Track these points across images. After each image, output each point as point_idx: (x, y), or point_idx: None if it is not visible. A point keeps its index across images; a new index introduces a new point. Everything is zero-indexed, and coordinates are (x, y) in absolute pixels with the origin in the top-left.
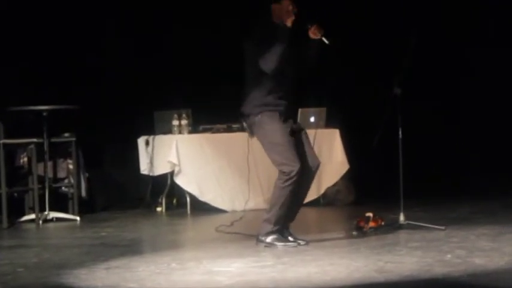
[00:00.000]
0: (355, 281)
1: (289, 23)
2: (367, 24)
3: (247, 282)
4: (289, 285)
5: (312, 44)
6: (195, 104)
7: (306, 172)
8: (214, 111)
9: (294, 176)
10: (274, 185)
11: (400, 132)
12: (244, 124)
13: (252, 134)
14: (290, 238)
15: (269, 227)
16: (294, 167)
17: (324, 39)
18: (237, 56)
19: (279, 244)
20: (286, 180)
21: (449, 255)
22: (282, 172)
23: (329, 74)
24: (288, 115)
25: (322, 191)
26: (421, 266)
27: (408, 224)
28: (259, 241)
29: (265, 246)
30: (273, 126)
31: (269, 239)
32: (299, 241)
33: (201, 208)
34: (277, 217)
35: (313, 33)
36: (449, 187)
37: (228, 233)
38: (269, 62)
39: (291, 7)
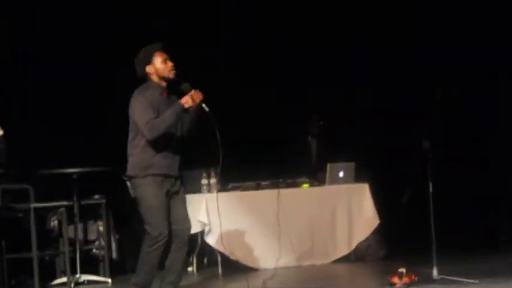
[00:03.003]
0: None
1: (171, 75)
2: (395, 77)
3: None
4: None
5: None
6: (224, 162)
7: (177, 235)
8: (243, 168)
9: (161, 240)
10: (141, 250)
11: (430, 186)
12: (128, 184)
13: (133, 194)
14: None
15: None
16: (162, 231)
17: (203, 106)
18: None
19: None
20: (153, 244)
21: None
22: (149, 235)
23: (357, 129)
24: (170, 174)
25: (353, 246)
26: None
27: (442, 278)
28: None
29: None
30: (152, 189)
31: None
32: None
33: (232, 266)
34: (145, 281)
35: (192, 99)
36: (482, 239)
37: None
38: (155, 131)
39: (169, 63)
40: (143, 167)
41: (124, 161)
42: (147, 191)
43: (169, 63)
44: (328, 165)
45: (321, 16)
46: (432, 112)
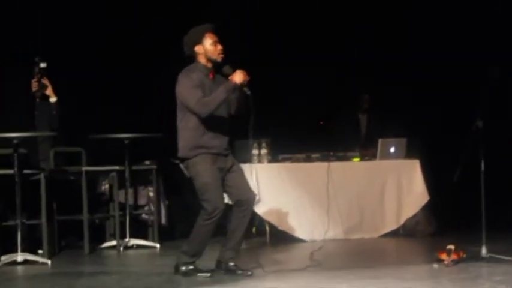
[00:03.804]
0: None
1: (219, 59)
2: (448, 55)
3: None
4: None
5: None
6: (275, 134)
7: (240, 205)
8: (294, 140)
9: (216, 215)
10: (196, 222)
11: (482, 165)
12: (181, 166)
13: (188, 175)
14: (239, 271)
15: (186, 258)
16: (218, 206)
17: (245, 89)
18: (315, 88)
19: (198, 274)
20: (208, 219)
21: None
22: (205, 210)
23: (410, 105)
24: (220, 153)
25: (401, 222)
26: None
27: (490, 257)
28: (176, 270)
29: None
30: (205, 166)
31: (185, 268)
32: (245, 271)
33: (280, 237)
34: (195, 251)
35: (239, 78)
36: None
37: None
38: (206, 108)
39: (218, 46)
40: (193, 147)
41: (175, 128)
42: (199, 169)
43: (219, 46)
44: (380, 141)
45: None
46: (487, 90)
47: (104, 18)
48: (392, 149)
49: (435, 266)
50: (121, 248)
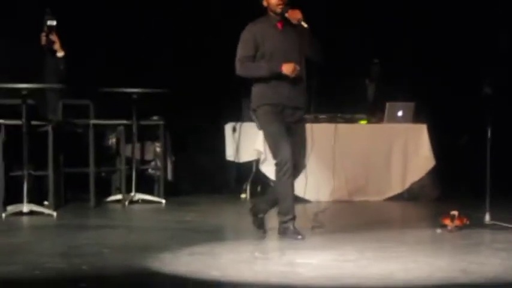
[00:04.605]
0: (438, 281)
1: (278, 10)
2: (460, 23)
3: (329, 276)
4: (371, 282)
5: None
6: None
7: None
8: None
9: (284, 165)
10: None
11: (489, 132)
12: (253, 117)
13: (258, 126)
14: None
15: (280, 217)
16: (283, 157)
17: (302, 23)
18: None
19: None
20: (278, 171)
21: None
22: (276, 164)
23: (418, 69)
24: (287, 105)
25: (407, 186)
26: (505, 268)
27: (494, 224)
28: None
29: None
30: (269, 117)
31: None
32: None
33: None
34: (285, 208)
35: (291, 18)
36: None
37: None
38: (242, 70)
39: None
40: (259, 97)
41: (184, 84)
42: (264, 120)
43: None
44: (388, 104)
45: None
46: (495, 57)
47: None
48: (399, 113)
49: (438, 231)
50: (126, 202)
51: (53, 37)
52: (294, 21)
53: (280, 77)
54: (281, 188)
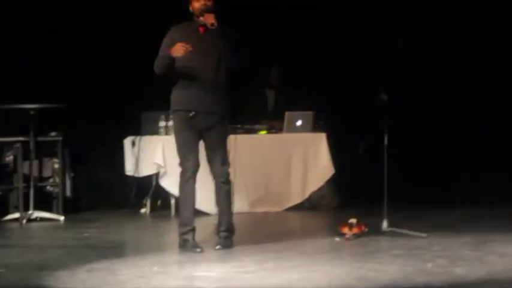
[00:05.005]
0: None
1: (198, 13)
2: (355, 30)
3: None
4: None
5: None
6: None
7: (214, 175)
8: None
9: (185, 173)
10: None
11: (385, 139)
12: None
13: None
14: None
15: (180, 229)
16: (186, 165)
17: (213, 26)
18: None
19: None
20: (182, 180)
21: (430, 264)
22: (180, 172)
23: (317, 79)
24: (199, 111)
25: (307, 195)
26: (402, 275)
27: (391, 231)
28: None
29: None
30: (177, 124)
31: (180, 240)
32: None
33: None
34: (183, 219)
35: (206, 21)
36: (435, 194)
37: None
38: (155, 68)
39: (202, 1)
40: (173, 103)
41: (82, 99)
42: (175, 127)
43: (202, 1)
44: (287, 114)
45: None
46: (391, 62)
47: None
48: (299, 122)
49: (336, 239)
50: (24, 221)
51: None
52: (208, 25)
53: (193, 80)
54: (182, 196)
